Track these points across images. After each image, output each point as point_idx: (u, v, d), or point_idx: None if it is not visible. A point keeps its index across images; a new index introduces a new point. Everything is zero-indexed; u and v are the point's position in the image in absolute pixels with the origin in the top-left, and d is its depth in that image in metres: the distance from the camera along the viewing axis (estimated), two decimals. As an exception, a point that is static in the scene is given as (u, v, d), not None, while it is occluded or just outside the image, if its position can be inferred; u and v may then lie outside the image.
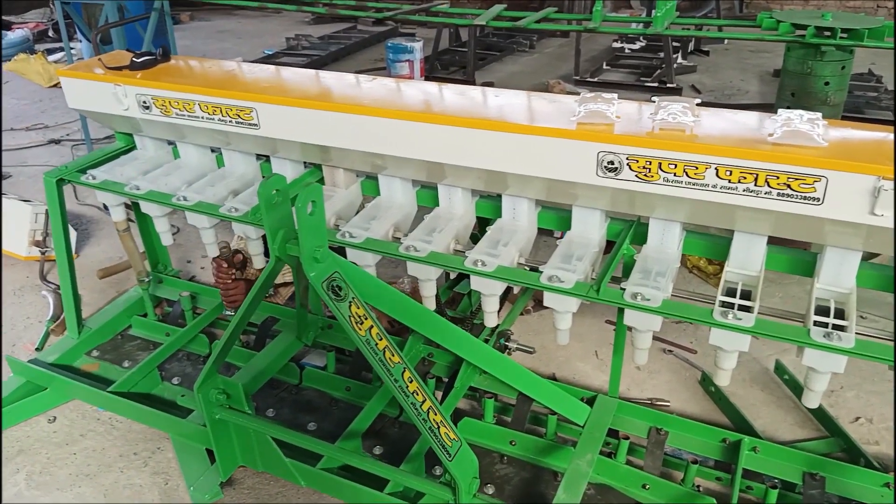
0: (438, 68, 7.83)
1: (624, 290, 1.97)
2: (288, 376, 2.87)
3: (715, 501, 2.23)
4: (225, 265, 2.95)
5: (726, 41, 8.84)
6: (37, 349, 3.21)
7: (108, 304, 3.45)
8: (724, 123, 1.96)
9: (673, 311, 1.91)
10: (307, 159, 2.66)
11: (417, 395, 1.81)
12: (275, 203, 1.68)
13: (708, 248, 2.19)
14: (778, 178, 1.74)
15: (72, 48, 8.82)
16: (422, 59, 7.12)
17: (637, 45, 8.26)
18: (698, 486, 2.37)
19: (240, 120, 2.43)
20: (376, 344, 1.77)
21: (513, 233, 2.29)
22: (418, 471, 2.32)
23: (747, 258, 2.05)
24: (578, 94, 2.12)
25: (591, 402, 2.53)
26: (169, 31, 5.48)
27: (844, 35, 3.35)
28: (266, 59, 8.28)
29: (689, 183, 1.84)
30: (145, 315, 3.28)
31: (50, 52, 8.16)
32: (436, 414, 1.84)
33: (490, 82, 7.20)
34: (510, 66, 8.22)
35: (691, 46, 8.23)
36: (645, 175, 1.88)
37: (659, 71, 7.26)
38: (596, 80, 7.28)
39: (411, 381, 1.81)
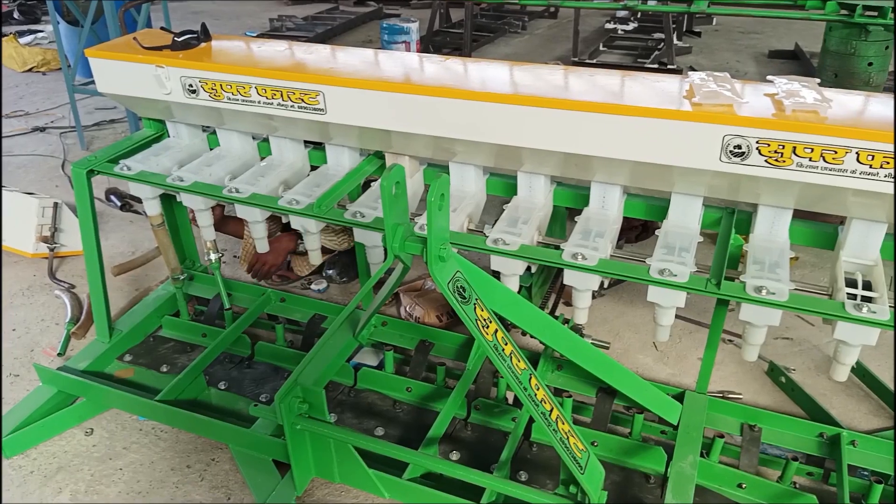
0: (431, 50, 7.63)
1: (744, 283, 1.85)
2: (342, 377, 2.70)
3: (816, 499, 2.15)
4: None
5: (715, 21, 8.82)
6: (59, 354, 2.97)
7: (131, 303, 3.22)
8: (853, 105, 1.84)
9: (801, 306, 1.80)
10: (367, 146, 2.48)
11: (545, 403, 1.67)
12: (396, 196, 1.52)
13: (815, 236, 2.09)
14: (926, 162, 1.64)
15: (40, 31, 8.42)
16: (417, 40, 6.92)
17: (630, 27, 8.16)
18: (794, 483, 2.29)
19: (303, 104, 2.23)
20: (503, 349, 1.62)
21: (604, 222, 2.16)
22: (506, 478, 2.19)
23: (865, 246, 1.95)
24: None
25: (677, 398, 2.42)
26: (163, 12, 5.20)
27: (893, 15, 3.28)
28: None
29: (826, 168, 1.72)
30: (176, 314, 3.06)
31: (20, 34, 7.71)
32: (564, 423, 1.70)
33: (488, 64, 7.02)
34: (503, 47, 8.05)
35: (683, 27, 8.18)
36: (776, 160, 1.76)
37: (657, 52, 7.18)
38: (594, 61, 7.16)
39: (538, 389, 1.66)
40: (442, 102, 2.07)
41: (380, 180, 1.51)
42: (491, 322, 1.61)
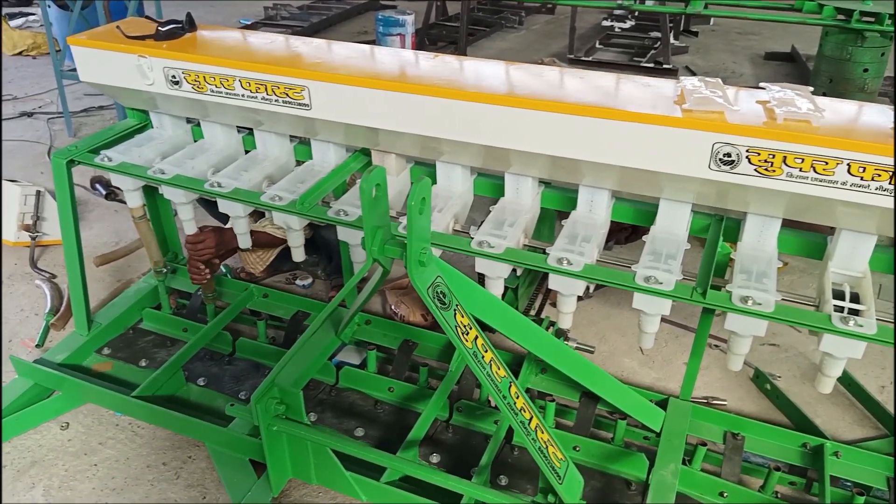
0: (427, 43, 7.57)
1: (730, 292, 1.82)
2: (324, 376, 2.67)
3: (797, 510, 2.14)
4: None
5: (712, 21, 8.78)
6: (37, 345, 2.93)
7: (112, 295, 3.18)
8: (846, 115, 1.81)
9: (787, 317, 1.77)
10: (353, 143, 2.44)
11: (525, 412, 1.64)
12: (376, 199, 1.48)
13: (804, 245, 2.06)
14: (917, 176, 1.61)
15: (32, 14, 8.31)
16: (413, 32, 6.86)
17: (627, 25, 8.12)
18: (776, 493, 2.27)
19: (288, 99, 2.19)
20: (483, 356, 1.59)
21: (591, 227, 2.12)
22: (486, 483, 2.16)
23: (853, 258, 1.92)
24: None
25: (661, 404, 2.40)
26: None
27: (891, 21, 3.25)
28: (243, 29, 7.89)
29: (816, 179, 1.69)
30: (157, 308, 3.02)
31: (11, 17, 7.61)
32: (543, 432, 1.67)
33: (483, 59, 6.98)
34: (499, 42, 8.00)
35: (681, 26, 8.15)
36: (766, 169, 1.72)
37: (653, 51, 7.14)
38: (590, 59, 7.12)
39: (518, 397, 1.63)
40: (429, 101, 2.03)
41: (359, 182, 1.47)
42: (471, 329, 1.58)
